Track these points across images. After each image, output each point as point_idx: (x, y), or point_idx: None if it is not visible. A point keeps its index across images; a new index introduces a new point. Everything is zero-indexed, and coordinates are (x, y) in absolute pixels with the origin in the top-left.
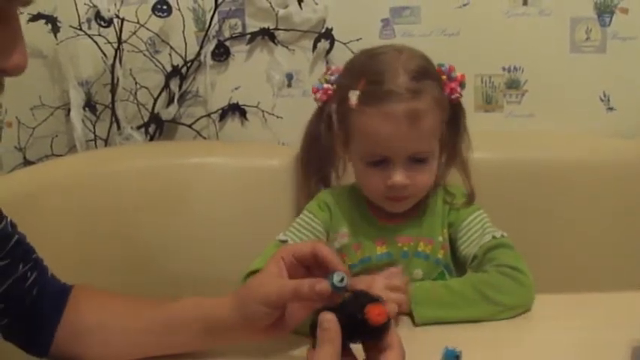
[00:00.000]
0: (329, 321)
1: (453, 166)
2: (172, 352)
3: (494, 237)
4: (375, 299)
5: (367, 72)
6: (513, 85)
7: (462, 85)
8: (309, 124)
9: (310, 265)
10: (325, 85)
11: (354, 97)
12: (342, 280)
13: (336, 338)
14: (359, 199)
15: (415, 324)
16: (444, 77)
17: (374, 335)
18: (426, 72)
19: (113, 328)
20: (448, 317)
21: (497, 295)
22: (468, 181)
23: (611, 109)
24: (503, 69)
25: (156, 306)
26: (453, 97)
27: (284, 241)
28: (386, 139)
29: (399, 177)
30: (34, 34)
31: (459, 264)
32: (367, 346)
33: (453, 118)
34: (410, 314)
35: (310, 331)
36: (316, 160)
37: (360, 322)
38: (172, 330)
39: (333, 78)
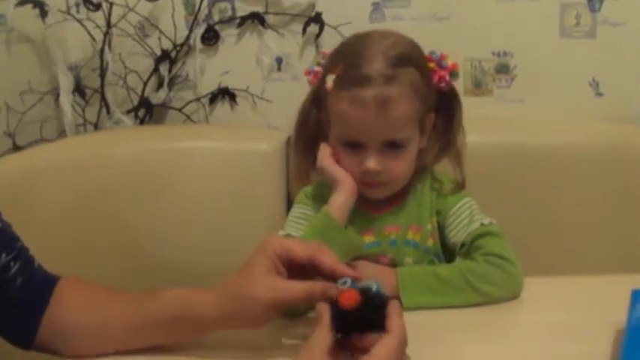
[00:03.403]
0: (320, 309)
1: (447, 156)
2: (153, 345)
3: (482, 224)
4: (373, 295)
5: (346, 56)
6: (503, 69)
7: (454, 74)
8: (301, 107)
9: (306, 268)
10: (316, 68)
11: (330, 80)
12: (344, 283)
13: (324, 325)
14: None
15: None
16: (433, 65)
17: (350, 322)
18: (408, 59)
19: (92, 327)
20: (435, 303)
21: (485, 285)
22: (460, 171)
23: (600, 94)
24: (493, 53)
25: (137, 303)
26: (441, 85)
27: None
28: (356, 124)
29: (371, 163)
30: (22, 18)
31: (448, 251)
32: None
33: (447, 107)
34: (397, 298)
35: None
36: (309, 143)
37: (335, 306)
38: (155, 329)
39: (324, 61)
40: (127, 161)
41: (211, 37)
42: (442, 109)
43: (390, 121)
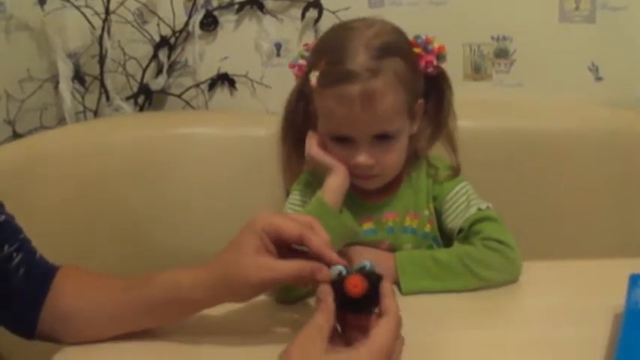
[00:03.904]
0: (323, 292)
1: (439, 139)
2: (149, 328)
3: (479, 209)
4: (369, 274)
5: (328, 51)
6: (502, 54)
7: (440, 57)
8: (288, 100)
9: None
10: (300, 61)
11: (314, 78)
12: (339, 273)
13: (327, 309)
14: None
15: (401, 293)
16: (419, 50)
17: (355, 308)
18: (392, 48)
19: (89, 313)
20: (434, 288)
21: (484, 270)
22: (455, 155)
23: (599, 78)
24: (492, 38)
25: (130, 289)
26: (429, 70)
27: None
28: (343, 121)
29: (362, 157)
30: (20, 6)
31: (445, 236)
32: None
33: (436, 90)
34: (396, 283)
35: None
36: (298, 135)
37: (341, 294)
38: (148, 313)
39: (307, 54)
40: (127, 148)
41: (210, 23)
42: (432, 92)
43: (378, 114)
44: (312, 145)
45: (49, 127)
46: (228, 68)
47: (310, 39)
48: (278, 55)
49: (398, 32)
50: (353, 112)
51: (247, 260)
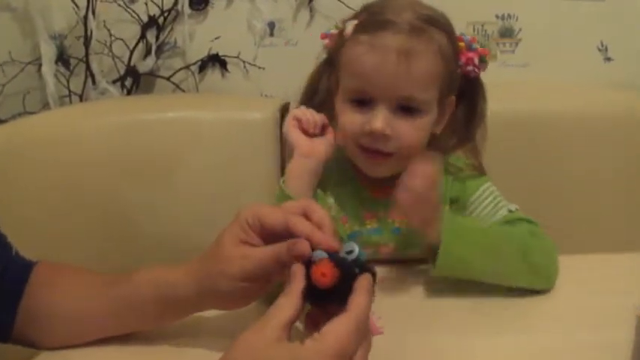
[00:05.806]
0: (293, 272)
1: (461, 149)
2: (127, 332)
3: (510, 211)
4: (348, 262)
5: (372, 6)
6: (507, 33)
7: (482, 59)
8: (310, 77)
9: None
10: (333, 31)
11: (350, 26)
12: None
13: (293, 291)
14: (346, 168)
15: (433, 264)
16: (463, 45)
17: (321, 299)
18: (440, 23)
19: (64, 312)
20: (473, 264)
21: (540, 256)
22: (477, 160)
23: (608, 59)
24: (497, 17)
25: (110, 285)
26: (468, 68)
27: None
28: (370, 72)
29: (379, 123)
30: None
31: None
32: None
33: (469, 96)
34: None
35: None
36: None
37: (308, 281)
38: (130, 312)
39: (342, 26)
40: (114, 133)
41: (200, 2)
42: (464, 97)
43: (410, 75)
44: (286, 121)
45: (33, 112)
46: (219, 49)
47: (305, 18)
48: (271, 34)
49: (444, 16)
50: (385, 64)
51: (225, 252)
